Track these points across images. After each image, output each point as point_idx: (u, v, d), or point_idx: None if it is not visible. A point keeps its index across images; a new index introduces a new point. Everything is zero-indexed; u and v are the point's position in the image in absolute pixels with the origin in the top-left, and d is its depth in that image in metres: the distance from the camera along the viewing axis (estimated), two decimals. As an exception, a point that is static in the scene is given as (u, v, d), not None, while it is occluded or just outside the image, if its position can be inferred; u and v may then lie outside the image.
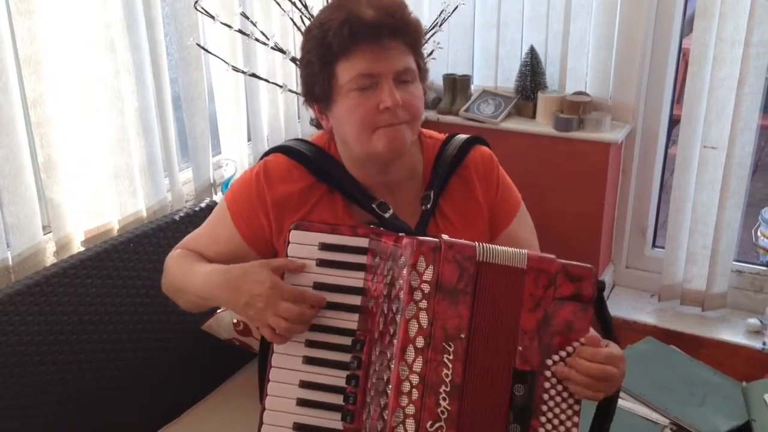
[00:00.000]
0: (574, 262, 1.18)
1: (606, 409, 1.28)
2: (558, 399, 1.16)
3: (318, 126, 1.43)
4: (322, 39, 1.29)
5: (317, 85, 1.32)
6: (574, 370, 1.15)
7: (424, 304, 1.13)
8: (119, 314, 1.70)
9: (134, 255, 1.75)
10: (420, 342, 1.12)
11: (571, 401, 1.16)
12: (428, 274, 1.14)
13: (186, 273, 1.38)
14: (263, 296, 1.21)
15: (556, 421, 1.15)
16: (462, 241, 1.17)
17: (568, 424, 1.16)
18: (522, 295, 1.16)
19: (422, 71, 1.35)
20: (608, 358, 1.16)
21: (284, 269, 1.25)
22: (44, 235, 1.73)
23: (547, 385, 1.16)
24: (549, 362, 1.16)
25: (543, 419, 1.15)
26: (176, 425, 1.78)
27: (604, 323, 1.25)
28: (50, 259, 1.73)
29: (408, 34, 1.30)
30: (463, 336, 1.13)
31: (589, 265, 1.18)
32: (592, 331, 1.19)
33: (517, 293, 1.16)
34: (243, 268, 1.27)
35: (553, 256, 1.18)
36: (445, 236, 1.18)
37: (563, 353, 1.16)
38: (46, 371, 1.54)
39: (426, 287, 1.14)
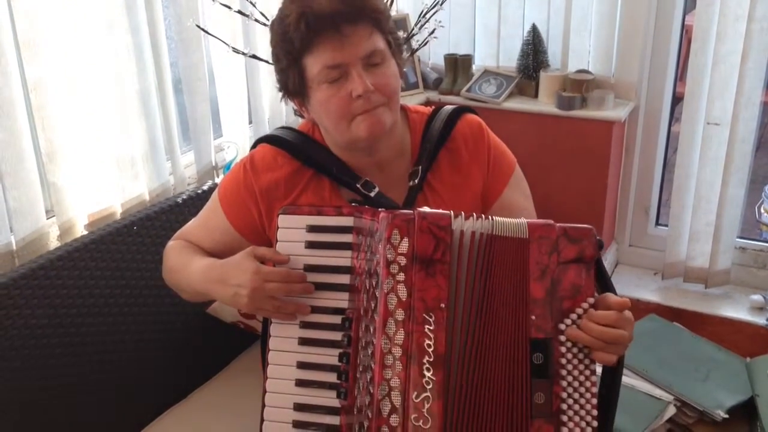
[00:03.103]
0: (573, 225, 1.18)
1: (612, 375, 1.28)
2: (575, 362, 1.17)
3: (302, 116, 1.43)
4: (284, 35, 1.28)
5: (289, 80, 1.32)
6: (586, 334, 1.15)
7: (401, 276, 1.14)
8: (124, 297, 1.70)
9: (137, 238, 1.75)
10: (400, 314, 1.13)
11: (587, 362, 1.17)
12: (403, 247, 1.14)
13: (181, 269, 1.41)
14: (248, 282, 1.22)
15: (576, 384, 1.16)
16: (437, 211, 1.17)
17: (588, 384, 1.17)
18: (528, 264, 1.16)
19: (393, 47, 1.33)
20: (618, 321, 1.17)
21: (269, 259, 1.25)
22: (47, 219, 1.73)
23: (563, 349, 1.16)
24: (562, 326, 1.16)
25: (564, 383, 1.16)
26: (182, 407, 1.80)
27: (603, 281, 1.25)
28: (54, 243, 1.73)
29: (368, 16, 1.28)
30: (443, 306, 1.13)
31: (588, 225, 1.18)
32: (612, 296, 1.20)
33: (521, 262, 1.17)
34: (228, 261, 1.28)
35: (551, 221, 1.18)
36: (424, 208, 1.18)
37: (574, 316, 1.17)
38: (51, 354, 1.55)
39: (402, 260, 1.14)
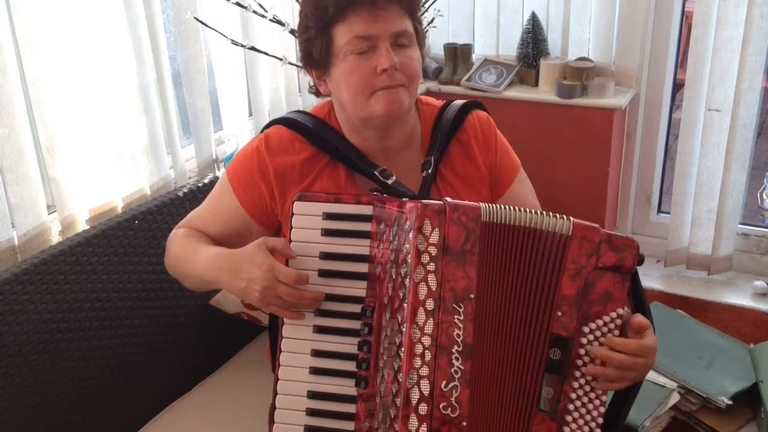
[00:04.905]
0: (618, 234, 1.18)
1: (627, 391, 1.28)
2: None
3: (316, 93, 1.43)
4: (318, 2, 1.29)
5: (315, 49, 1.32)
6: (604, 363, 1.16)
7: (432, 266, 1.14)
8: (126, 291, 1.71)
9: (139, 232, 1.75)
10: (430, 304, 1.13)
11: None
12: (434, 237, 1.14)
13: (188, 256, 1.39)
14: (260, 279, 1.21)
15: (587, 387, 1.17)
16: (466, 202, 1.18)
17: (599, 391, 1.18)
18: (564, 261, 1.17)
19: (420, 36, 1.35)
20: (639, 350, 1.17)
21: (279, 251, 1.25)
22: (49, 214, 1.73)
23: (581, 351, 1.17)
24: (586, 329, 1.17)
25: (576, 384, 1.17)
26: (187, 399, 1.80)
27: (637, 298, 1.25)
28: (56, 238, 1.73)
29: None
30: (472, 296, 1.14)
31: (632, 238, 1.19)
32: (639, 317, 1.20)
33: (556, 257, 1.17)
34: (241, 252, 1.27)
35: (597, 225, 1.19)
36: (448, 198, 1.18)
37: (600, 322, 1.17)
38: (55, 349, 1.55)
39: (433, 250, 1.14)
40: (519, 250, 1.18)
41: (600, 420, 1.17)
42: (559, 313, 1.16)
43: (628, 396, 1.28)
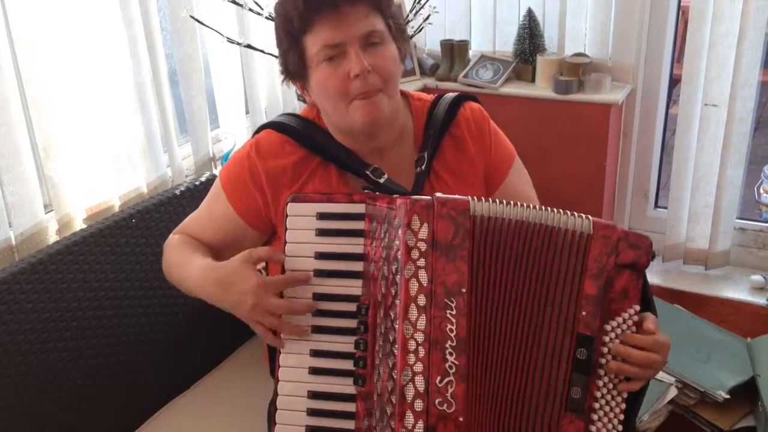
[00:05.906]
0: (633, 231, 1.19)
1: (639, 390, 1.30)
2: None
3: (304, 101, 1.43)
4: (284, 15, 1.29)
5: (290, 62, 1.32)
6: (629, 365, 1.17)
7: (422, 262, 1.14)
8: (124, 289, 1.71)
9: (136, 230, 1.75)
10: (422, 300, 1.13)
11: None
12: (423, 232, 1.14)
13: (182, 265, 1.40)
14: (250, 293, 1.21)
15: (611, 385, 1.18)
16: (455, 196, 1.17)
17: (621, 388, 1.19)
18: (587, 260, 1.17)
19: (393, 30, 1.33)
20: (654, 345, 1.18)
21: (267, 259, 1.25)
22: (46, 213, 1.73)
23: (604, 350, 1.18)
24: (607, 328, 1.17)
25: (600, 383, 1.18)
26: (185, 398, 1.80)
27: (644, 295, 1.25)
28: (53, 238, 1.73)
29: None
30: (464, 291, 1.13)
31: (645, 234, 1.19)
32: (649, 316, 1.21)
33: (577, 257, 1.17)
34: (229, 265, 1.27)
35: (613, 223, 1.19)
36: (438, 194, 1.18)
37: (620, 319, 1.18)
38: (53, 348, 1.56)
39: (422, 245, 1.14)
40: (527, 247, 1.17)
41: (621, 417, 1.18)
42: (584, 313, 1.16)
43: (640, 394, 1.29)
